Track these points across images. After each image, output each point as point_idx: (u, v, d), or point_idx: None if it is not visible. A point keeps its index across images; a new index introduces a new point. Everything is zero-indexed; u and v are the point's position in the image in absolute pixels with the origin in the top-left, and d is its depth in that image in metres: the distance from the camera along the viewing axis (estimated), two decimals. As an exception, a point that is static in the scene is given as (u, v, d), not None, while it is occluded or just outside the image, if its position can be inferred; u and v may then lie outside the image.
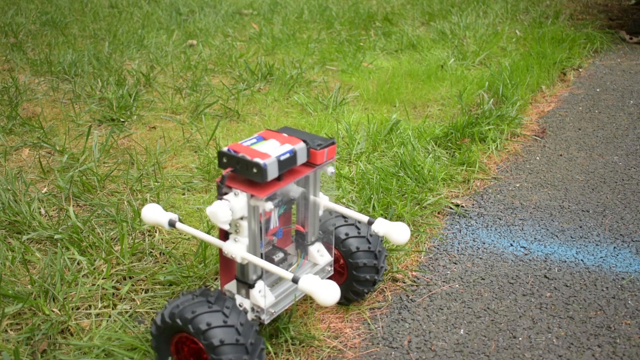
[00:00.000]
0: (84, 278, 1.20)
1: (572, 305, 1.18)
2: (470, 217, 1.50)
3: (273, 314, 0.97)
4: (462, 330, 1.11)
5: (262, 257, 0.96)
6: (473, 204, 1.56)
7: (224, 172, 0.89)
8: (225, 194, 0.90)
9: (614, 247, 1.36)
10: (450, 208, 1.53)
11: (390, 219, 1.43)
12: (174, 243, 1.33)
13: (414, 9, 3.76)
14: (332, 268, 1.09)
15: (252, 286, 0.94)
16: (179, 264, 1.25)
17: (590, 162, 1.80)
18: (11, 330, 1.07)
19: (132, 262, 1.26)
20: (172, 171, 1.67)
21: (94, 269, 1.23)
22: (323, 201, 1.03)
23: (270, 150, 0.90)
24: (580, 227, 1.45)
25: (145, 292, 1.18)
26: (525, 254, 1.34)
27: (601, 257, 1.33)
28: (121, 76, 2.38)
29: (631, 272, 1.27)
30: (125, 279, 1.21)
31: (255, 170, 0.86)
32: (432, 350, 1.06)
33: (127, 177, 1.60)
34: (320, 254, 1.06)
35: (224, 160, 0.89)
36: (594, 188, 1.64)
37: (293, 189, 1.00)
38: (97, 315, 1.12)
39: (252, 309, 0.96)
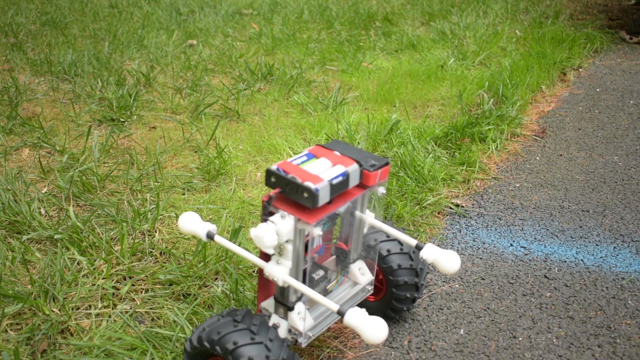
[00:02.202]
0: (84, 278, 1.20)
1: (572, 305, 1.18)
2: (470, 217, 1.50)
3: (311, 337, 0.92)
4: (462, 330, 1.11)
5: (306, 280, 0.92)
6: (473, 204, 1.56)
7: (271, 192, 0.83)
8: (271, 214, 0.85)
9: (614, 247, 1.36)
10: (450, 208, 1.53)
11: (390, 219, 1.43)
12: (174, 243, 1.33)
13: (414, 9, 3.76)
14: (372, 287, 1.04)
15: (291, 308, 0.90)
16: (179, 264, 1.25)
17: (590, 162, 1.80)
18: (11, 330, 1.07)
19: (132, 262, 1.26)
20: (172, 171, 1.67)
21: (94, 269, 1.23)
22: (369, 219, 0.97)
23: (322, 172, 0.84)
24: (580, 227, 1.45)
25: (145, 292, 1.18)
26: (525, 254, 1.34)
27: (601, 257, 1.33)
28: (121, 76, 2.38)
29: (631, 272, 1.27)
30: (125, 279, 1.21)
31: (306, 195, 0.80)
32: (432, 350, 1.06)
33: (127, 177, 1.60)
34: (362, 272, 1.01)
35: (272, 179, 0.84)
36: (594, 188, 1.64)
37: None
38: (97, 315, 1.11)
39: (290, 331, 0.92)
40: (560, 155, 1.85)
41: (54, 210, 1.46)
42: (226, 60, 2.65)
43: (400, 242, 1.04)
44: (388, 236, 1.04)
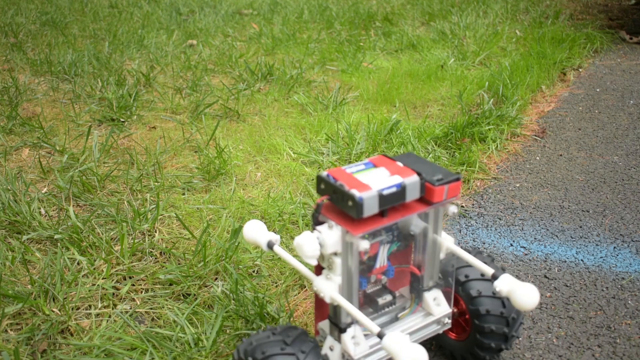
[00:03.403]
0: (84, 278, 1.20)
1: (572, 305, 1.18)
2: (470, 217, 1.50)
3: None
4: (462, 330, 1.11)
5: (358, 300, 0.84)
6: (473, 204, 1.56)
7: (319, 199, 0.79)
8: (321, 223, 0.79)
9: (614, 247, 1.36)
10: (450, 208, 1.53)
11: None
12: (173, 242, 1.33)
13: (414, 9, 3.76)
14: (450, 320, 0.93)
15: (343, 330, 0.83)
16: (179, 264, 1.25)
17: (590, 162, 1.80)
18: (11, 330, 1.07)
19: (132, 262, 1.26)
20: (172, 171, 1.67)
21: (94, 269, 1.23)
22: (446, 243, 0.88)
23: (375, 182, 0.78)
24: (580, 227, 1.45)
25: (146, 292, 1.18)
26: (525, 254, 1.34)
27: (601, 257, 1.33)
28: (121, 76, 2.38)
29: (631, 272, 1.27)
30: (125, 279, 1.21)
31: (350, 204, 0.75)
32: (432, 350, 1.06)
33: (127, 177, 1.60)
34: (437, 303, 0.92)
35: (322, 186, 0.79)
36: (594, 188, 1.64)
37: (414, 223, 0.87)
38: (97, 315, 1.11)
39: (343, 355, 0.85)
40: (560, 155, 1.85)
41: (54, 210, 1.46)
42: (226, 60, 2.65)
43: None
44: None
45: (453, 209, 0.84)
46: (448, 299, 0.92)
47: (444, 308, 0.92)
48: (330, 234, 0.77)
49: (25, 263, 1.20)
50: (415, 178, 0.79)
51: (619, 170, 1.74)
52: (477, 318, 0.92)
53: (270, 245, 0.90)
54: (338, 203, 0.77)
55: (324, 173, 0.79)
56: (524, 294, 0.78)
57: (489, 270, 0.85)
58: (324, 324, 0.88)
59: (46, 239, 1.33)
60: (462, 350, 0.97)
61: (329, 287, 0.79)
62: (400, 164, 0.83)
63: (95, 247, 1.30)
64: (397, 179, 0.78)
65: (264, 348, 0.79)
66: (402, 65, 2.65)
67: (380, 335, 0.73)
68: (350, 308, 0.78)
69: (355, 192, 0.74)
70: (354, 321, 0.84)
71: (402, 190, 0.78)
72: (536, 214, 1.51)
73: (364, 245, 0.76)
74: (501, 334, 0.92)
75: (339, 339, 0.85)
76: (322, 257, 0.80)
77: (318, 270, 0.84)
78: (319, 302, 0.87)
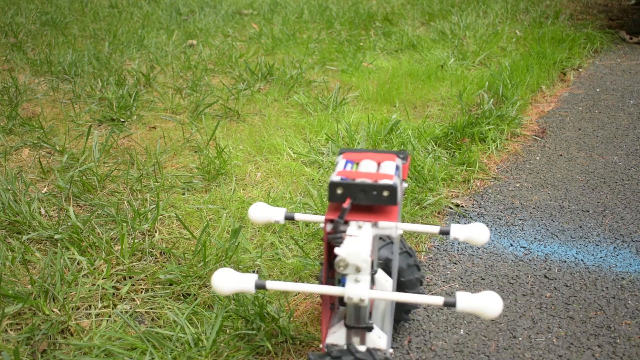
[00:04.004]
0: (84, 278, 1.20)
1: (572, 305, 1.18)
2: (470, 217, 1.50)
3: (393, 353, 0.85)
4: (462, 330, 1.11)
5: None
6: (473, 204, 1.56)
7: (345, 204, 0.76)
8: (339, 232, 0.77)
9: (614, 247, 1.36)
10: (450, 208, 1.53)
11: None
12: (173, 242, 1.33)
13: (414, 9, 3.76)
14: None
15: (371, 329, 0.82)
16: (179, 264, 1.25)
17: (590, 162, 1.80)
18: (11, 330, 1.07)
19: (132, 262, 1.26)
20: (172, 171, 1.67)
21: (94, 269, 1.23)
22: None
23: (383, 171, 0.79)
24: (580, 227, 1.45)
25: (146, 292, 1.18)
26: (525, 254, 1.34)
27: (601, 257, 1.33)
28: (121, 76, 2.38)
29: (631, 272, 1.27)
30: (125, 279, 1.21)
31: (386, 194, 0.75)
32: (432, 350, 1.06)
33: (127, 177, 1.60)
34: (385, 280, 0.97)
35: (339, 191, 0.77)
36: (594, 188, 1.64)
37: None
38: (97, 315, 1.11)
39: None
40: (560, 155, 1.85)
41: (54, 210, 1.46)
42: (226, 60, 2.65)
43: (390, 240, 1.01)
44: (384, 240, 1.01)
45: (405, 185, 0.88)
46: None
47: (390, 282, 0.97)
48: (366, 233, 0.76)
49: (25, 263, 1.20)
50: (399, 161, 0.82)
51: (619, 170, 1.74)
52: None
53: (289, 217, 0.89)
54: (367, 200, 0.76)
55: (337, 178, 0.77)
56: (479, 233, 0.87)
57: (434, 229, 0.90)
58: (336, 338, 0.85)
59: (46, 239, 1.33)
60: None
61: (364, 289, 0.77)
62: (373, 152, 0.85)
63: (95, 247, 1.30)
64: (393, 165, 0.81)
65: None
66: (402, 65, 2.65)
67: (450, 304, 0.74)
68: (399, 296, 0.77)
69: (389, 181, 0.75)
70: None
71: (401, 172, 0.81)
72: (536, 214, 1.51)
73: (400, 231, 0.77)
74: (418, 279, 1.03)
75: (363, 342, 0.84)
76: (344, 264, 0.77)
77: (325, 281, 0.83)
78: (327, 317, 0.85)
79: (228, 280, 0.78)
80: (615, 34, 3.24)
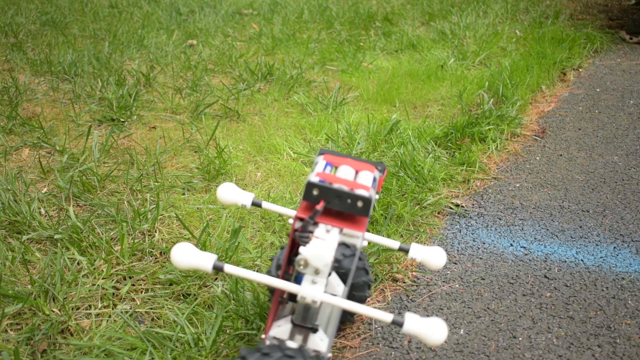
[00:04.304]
0: (84, 278, 1.20)
1: (572, 305, 1.18)
2: (470, 217, 1.50)
3: (330, 357, 0.86)
4: (462, 330, 1.11)
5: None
6: (473, 204, 1.56)
7: (318, 206, 0.77)
8: (307, 232, 0.79)
9: (614, 247, 1.36)
10: (450, 208, 1.53)
11: (390, 219, 1.43)
12: (173, 242, 1.33)
13: (414, 9, 3.76)
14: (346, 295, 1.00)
15: (316, 330, 0.84)
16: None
17: (590, 162, 1.80)
18: (11, 330, 1.07)
19: (132, 262, 1.26)
20: (172, 171, 1.67)
21: (94, 269, 1.23)
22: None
23: (360, 181, 0.81)
24: (580, 227, 1.45)
25: (145, 292, 1.18)
26: (525, 254, 1.34)
27: (601, 257, 1.33)
28: (121, 76, 2.38)
29: (631, 272, 1.27)
30: (125, 279, 1.21)
31: (360, 204, 0.76)
32: (432, 350, 1.06)
33: (127, 177, 1.60)
34: (337, 283, 0.97)
35: (315, 192, 0.78)
36: (594, 188, 1.64)
37: None
38: (97, 315, 1.11)
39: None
40: (560, 155, 1.85)
41: (54, 210, 1.46)
42: (226, 60, 2.66)
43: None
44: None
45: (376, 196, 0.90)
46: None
47: (342, 286, 0.97)
48: (332, 238, 0.77)
49: (25, 263, 1.20)
50: (377, 173, 0.83)
51: (619, 170, 1.74)
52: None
53: (256, 203, 0.90)
54: (341, 206, 0.77)
55: (316, 179, 0.78)
56: (435, 257, 0.89)
57: (394, 244, 0.91)
58: (279, 332, 0.86)
59: (46, 239, 1.33)
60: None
61: (318, 291, 0.78)
62: (352, 159, 0.86)
63: (95, 247, 1.30)
64: (370, 175, 0.82)
65: None
66: (402, 65, 2.65)
67: (398, 323, 0.74)
68: (349, 305, 0.78)
69: (364, 193, 0.75)
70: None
71: (377, 184, 0.82)
72: (536, 214, 1.51)
73: (365, 243, 0.78)
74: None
75: (305, 341, 0.84)
76: (304, 263, 0.78)
77: (282, 276, 0.84)
78: (275, 310, 0.86)
79: (187, 256, 0.78)
80: (615, 34, 3.24)
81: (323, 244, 0.76)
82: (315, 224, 0.79)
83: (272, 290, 1.05)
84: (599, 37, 3.10)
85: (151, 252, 1.30)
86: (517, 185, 1.66)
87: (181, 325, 1.07)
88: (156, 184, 1.58)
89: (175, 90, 2.30)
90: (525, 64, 2.54)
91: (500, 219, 1.49)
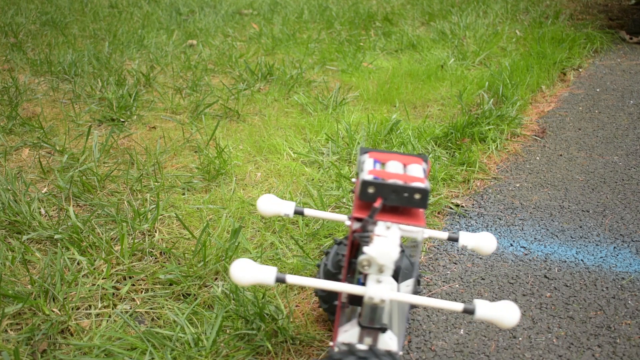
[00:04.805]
0: (84, 278, 1.20)
1: (572, 305, 1.18)
2: (470, 217, 1.50)
3: (402, 356, 0.86)
4: (462, 330, 1.11)
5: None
6: (473, 204, 1.56)
7: (376, 203, 0.76)
8: (367, 231, 0.77)
9: (614, 247, 1.36)
10: (450, 208, 1.53)
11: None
12: (173, 242, 1.33)
13: (414, 9, 3.76)
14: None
15: (385, 330, 0.83)
16: (179, 263, 1.25)
17: (590, 162, 1.80)
18: (11, 330, 1.07)
19: (132, 262, 1.26)
20: (172, 171, 1.67)
21: (94, 269, 1.23)
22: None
23: (412, 173, 0.80)
24: (580, 227, 1.45)
25: (146, 292, 1.18)
26: (525, 254, 1.34)
27: (601, 257, 1.33)
28: (121, 76, 2.38)
29: (631, 272, 1.27)
30: (125, 279, 1.21)
31: (418, 197, 0.76)
32: (432, 350, 1.06)
33: (127, 177, 1.60)
34: (390, 281, 0.97)
35: (371, 190, 0.77)
36: (594, 188, 1.64)
37: None
38: (97, 315, 1.11)
39: None
40: (560, 155, 1.85)
41: (54, 210, 1.46)
42: (226, 60, 2.66)
43: None
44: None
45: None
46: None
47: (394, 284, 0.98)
48: (394, 234, 0.76)
49: (25, 263, 1.20)
50: (424, 165, 0.83)
51: (619, 170, 1.74)
52: None
53: (299, 211, 0.90)
54: (398, 201, 0.77)
55: (369, 177, 0.77)
56: (486, 242, 0.88)
57: (442, 235, 0.89)
58: (348, 337, 0.85)
59: (46, 239, 1.33)
60: None
61: (386, 290, 0.77)
62: (399, 153, 0.86)
63: (95, 247, 1.30)
64: (419, 167, 0.81)
65: None
66: (402, 65, 2.65)
67: (470, 311, 0.76)
68: (419, 300, 0.78)
69: (421, 185, 0.75)
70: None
71: (427, 175, 0.82)
72: (536, 214, 1.51)
73: (426, 235, 0.78)
74: None
75: (375, 342, 0.84)
76: (368, 263, 0.77)
77: (345, 278, 0.83)
78: (339, 317, 0.85)
79: (248, 272, 0.77)
80: (615, 34, 3.24)
81: (387, 241, 0.75)
82: (374, 222, 0.78)
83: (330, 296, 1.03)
84: (599, 37, 3.10)
85: (151, 252, 1.30)
86: (517, 185, 1.66)
87: (181, 325, 1.07)
88: (156, 184, 1.58)
89: (175, 90, 2.30)
90: (525, 64, 2.54)
91: (500, 219, 1.49)
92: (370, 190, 0.76)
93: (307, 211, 0.91)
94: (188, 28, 3.23)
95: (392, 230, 0.77)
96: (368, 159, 0.83)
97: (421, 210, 0.79)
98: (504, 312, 0.74)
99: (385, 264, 0.74)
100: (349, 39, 3.02)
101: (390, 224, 0.77)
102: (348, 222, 0.80)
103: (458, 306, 0.76)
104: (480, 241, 0.90)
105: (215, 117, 2.05)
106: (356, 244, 0.81)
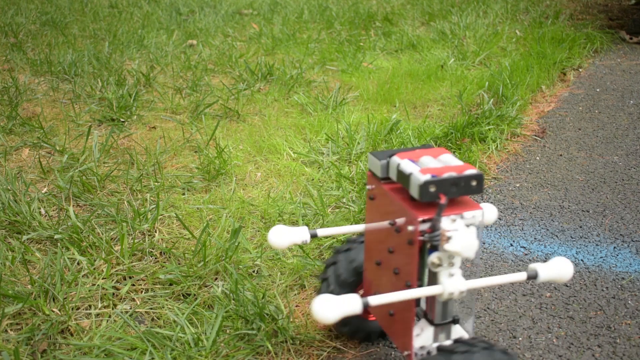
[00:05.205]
0: (84, 278, 1.20)
1: (572, 305, 1.18)
2: (470, 217, 1.50)
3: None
4: (462, 330, 1.11)
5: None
6: (473, 204, 1.56)
7: (441, 201, 0.76)
8: (437, 230, 0.76)
9: (614, 247, 1.36)
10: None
11: None
12: (173, 242, 1.33)
13: (414, 9, 3.76)
14: None
15: (458, 320, 0.83)
16: (179, 263, 1.25)
17: (590, 162, 1.80)
18: (11, 330, 1.07)
19: (132, 262, 1.26)
20: (172, 171, 1.67)
21: (94, 269, 1.23)
22: None
23: (453, 163, 0.81)
24: (580, 227, 1.45)
25: (146, 292, 1.18)
26: (525, 254, 1.34)
27: (601, 257, 1.33)
28: (121, 76, 2.38)
29: (631, 272, 1.27)
30: (125, 279, 1.21)
31: (475, 183, 0.78)
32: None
33: (127, 177, 1.60)
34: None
35: (432, 189, 0.76)
36: (594, 188, 1.64)
37: None
38: (97, 315, 1.11)
39: None
40: (560, 155, 1.85)
41: (54, 210, 1.46)
42: (226, 60, 2.66)
43: None
44: None
45: None
46: None
47: None
48: (461, 226, 0.78)
49: (25, 263, 1.20)
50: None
51: (619, 170, 1.74)
52: None
53: (313, 234, 0.91)
54: (459, 193, 0.78)
55: (427, 176, 0.76)
56: (563, 270, 0.85)
57: (521, 277, 0.84)
58: (424, 340, 0.83)
59: (46, 239, 1.33)
60: (370, 329, 1.04)
61: (460, 281, 0.78)
62: (426, 148, 0.87)
63: (95, 247, 1.30)
64: (452, 156, 0.83)
65: None
66: (402, 65, 2.65)
67: (533, 277, 0.81)
68: (489, 281, 0.80)
69: (474, 171, 0.78)
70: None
71: None
72: (536, 214, 1.51)
73: (493, 217, 0.83)
74: None
75: (449, 336, 0.84)
76: (439, 261, 0.78)
77: (415, 283, 0.81)
78: (413, 321, 0.83)
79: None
80: (615, 34, 3.24)
81: (468, 233, 0.76)
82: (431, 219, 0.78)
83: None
84: (599, 37, 3.10)
85: (151, 252, 1.30)
86: (517, 185, 1.66)
87: (181, 325, 1.07)
88: (156, 184, 1.58)
89: (175, 90, 2.30)
90: (525, 64, 2.54)
91: (500, 219, 1.49)
92: (432, 189, 0.76)
93: (321, 231, 0.90)
94: (188, 28, 3.24)
95: (458, 222, 0.78)
96: (404, 161, 0.82)
97: (474, 195, 0.81)
98: (561, 269, 0.81)
99: (470, 256, 0.75)
100: (349, 39, 3.02)
101: (453, 216, 0.77)
102: (411, 227, 0.78)
103: (522, 276, 0.81)
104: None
105: (215, 117, 2.06)
106: (422, 245, 0.80)
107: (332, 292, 0.98)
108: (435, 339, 0.83)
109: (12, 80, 2.29)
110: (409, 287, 0.80)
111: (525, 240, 1.40)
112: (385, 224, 0.85)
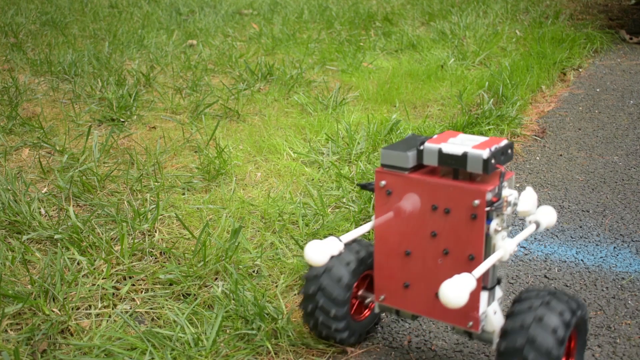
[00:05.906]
0: (84, 278, 1.20)
1: (572, 305, 1.18)
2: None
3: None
4: (462, 330, 1.11)
5: None
6: (473, 204, 1.56)
7: (502, 169, 0.84)
8: (499, 197, 0.83)
9: (614, 247, 1.36)
10: (450, 208, 1.53)
11: None
12: (173, 242, 1.33)
13: (414, 9, 3.77)
14: None
15: (500, 281, 0.90)
16: (179, 263, 1.25)
17: (590, 162, 1.80)
18: (11, 330, 1.07)
19: (132, 261, 1.26)
20: (172, 171, 1.67)
21: (94, 269, 1.23)
22: None
23: (477, 140, 0.88)
24: (580, 227, 1.45)
25: (146, 292, 1.18)
26: (525, 254, 1.34)
27: (601, 257, 1.33)
28: (121, 76, 2.38)
29: (631, 272, 1.27)
30: (125, 279, 1.21)
31: (510, 151, 0.86)
32: (432, 350, 1.06)
33: (127, 177, 1.60)
34: None
35: (493, 161, 0.82)
36: (594, 188, 1.64)
37: None
38: (97, 315, 1.11)
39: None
40: (560, 155, 1.85)
41: (54, 210, 1.46)
42: (226, 60, 2.66)
43: None
44: None
45: None
46: None
47: None
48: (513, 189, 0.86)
49: (25, 263, 1.20)
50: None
51: (619, 170, 1.74)
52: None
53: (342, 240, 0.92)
54: (506, 160, 0.85)
55: (487, 151, 0.81)
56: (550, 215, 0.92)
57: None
58: (482, 305, 0.87)
59: (46, 239, 1.33)
60: (362, 329, 1.06)
61: (513, 240, 0.85)
62: (442, 134, 0.91)
63: (95, 247, 1.30)
64: (468, 135, 0.89)
65: None
66: (402, 65, 2.65)
67: (539, 224, 0.88)
68: (521, 236, 0.88)
69: (506, 141, 0.85)
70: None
71: None
72: (536, 214, 1.51)
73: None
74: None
75: (494, 297, 0.89)
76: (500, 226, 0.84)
77: (465, 264, 0.86)
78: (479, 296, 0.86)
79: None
80: (615, 34, 3.24)
81: (529, 192, 0.84)
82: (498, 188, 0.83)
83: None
84: (599, 37, 3.10)
85: (151, 252, 1.30)
86: (517, 185, 1.66)
87: (181, 325, 1.07)
88: (156, 184, 1.58)
89: (175, 90, 2.30)
90: (525, 64, 2.54)
91: (500, 219, 1.49)
92: (493, 160, 0.82)
93: (344, 237, 0.91)
94: (188, 28, 3.24)
95: (508, 184, 0.85)
96: (446, 144, 0.85)
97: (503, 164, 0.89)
98: (548, 214, 0.89)
99: (532, 210, 0.85)
100: (349, 39, 3.02)
101: (505, 183, 0.84)
102: (476, 202, 0.82)
103: (532, 227, 0.88)
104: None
105: (215, 117, 2.06)
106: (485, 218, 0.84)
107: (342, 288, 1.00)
108: (490, 301, 0.88)
109: (12, 80, 2.29)
110: (472, 260, 0.85)
111: (525, 240, 1.40)
112: (421, 211, 0.88)
